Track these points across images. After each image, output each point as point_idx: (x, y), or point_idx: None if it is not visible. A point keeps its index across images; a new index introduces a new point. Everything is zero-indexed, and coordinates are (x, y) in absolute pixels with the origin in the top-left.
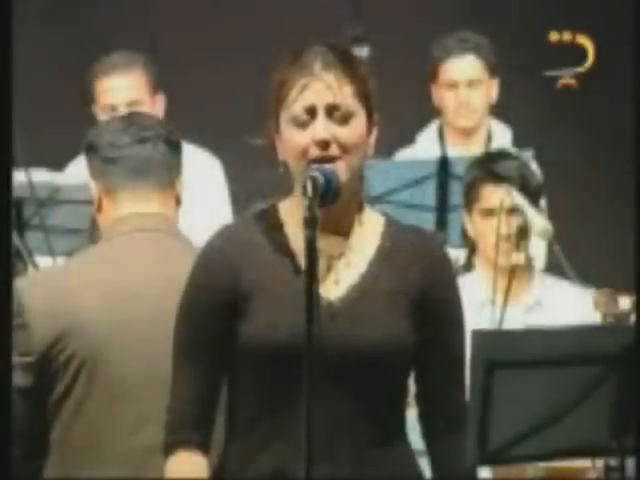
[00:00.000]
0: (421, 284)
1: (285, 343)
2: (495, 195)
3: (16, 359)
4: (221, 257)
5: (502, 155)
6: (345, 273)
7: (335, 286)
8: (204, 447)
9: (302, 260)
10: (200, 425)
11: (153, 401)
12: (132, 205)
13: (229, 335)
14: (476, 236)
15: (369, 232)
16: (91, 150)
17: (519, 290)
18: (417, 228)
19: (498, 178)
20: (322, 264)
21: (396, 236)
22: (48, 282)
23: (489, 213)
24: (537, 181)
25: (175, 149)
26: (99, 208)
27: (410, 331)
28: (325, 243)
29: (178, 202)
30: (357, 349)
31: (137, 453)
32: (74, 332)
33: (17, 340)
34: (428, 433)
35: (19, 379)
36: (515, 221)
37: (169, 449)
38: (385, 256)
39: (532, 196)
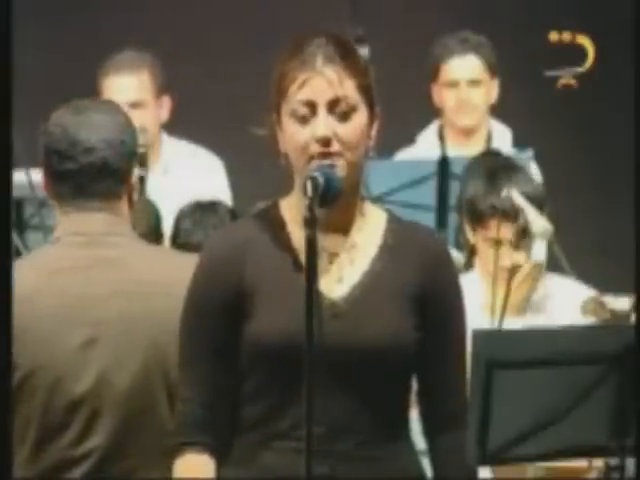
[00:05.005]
0: (423, 281)
1: (288, 341)
2: (504, 228)
3: None
4: (223, 258)
5: (510, 175)
6: (348, 271)
7: (338, 285)
8: (212, 448)
9: (304, 258)
10: (208, 426)
11: (102, 410)
12: (79, 214)
13: (234, 335)
14: (476, 241)
15: (371, 229)
16: (42, 147)
17: (520, 290)
18: (419, 225)
19: (506, 214)
20: (325, 262)
21: (398, 233)
22: None
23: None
24: (542, 193)
25: (130, 156)
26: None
27: (413, 329)
28: (327, 240)
29: (130, 197)
30: (361, 348)
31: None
32: (21, 340)
33: None
34: (429, 431)
35: None
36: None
37: (177, 451)
38: (387, 254)
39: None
